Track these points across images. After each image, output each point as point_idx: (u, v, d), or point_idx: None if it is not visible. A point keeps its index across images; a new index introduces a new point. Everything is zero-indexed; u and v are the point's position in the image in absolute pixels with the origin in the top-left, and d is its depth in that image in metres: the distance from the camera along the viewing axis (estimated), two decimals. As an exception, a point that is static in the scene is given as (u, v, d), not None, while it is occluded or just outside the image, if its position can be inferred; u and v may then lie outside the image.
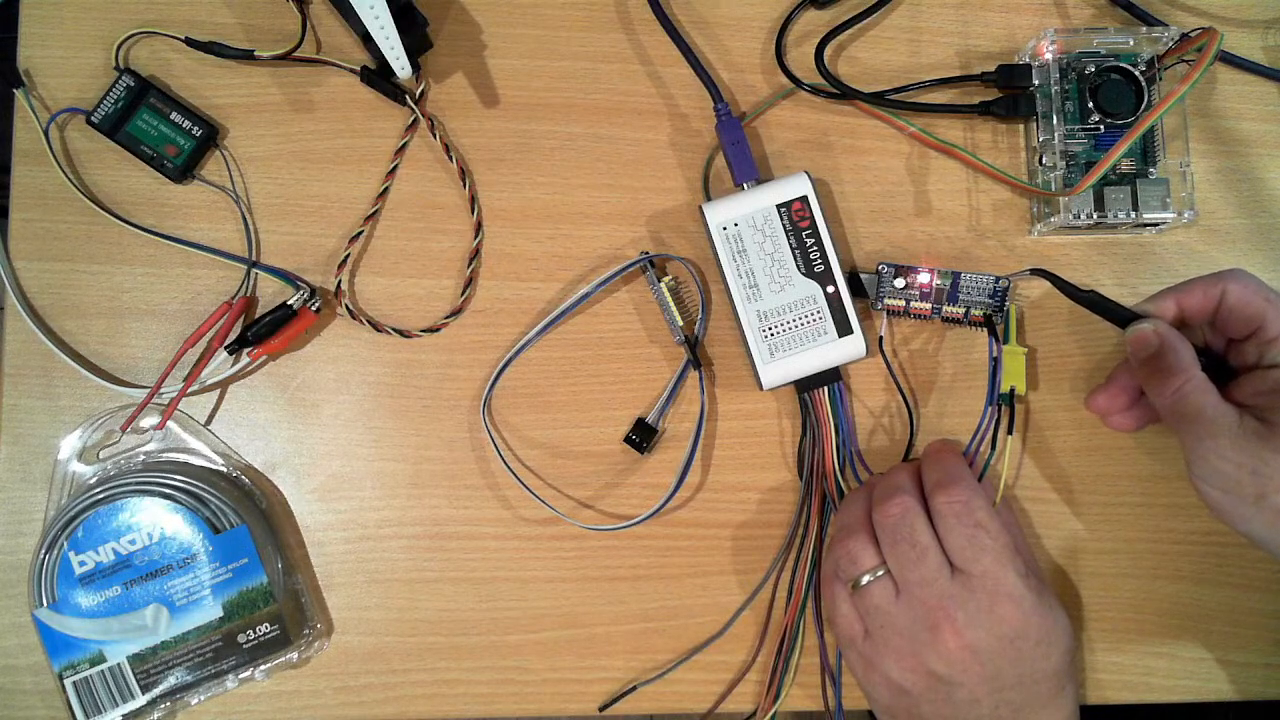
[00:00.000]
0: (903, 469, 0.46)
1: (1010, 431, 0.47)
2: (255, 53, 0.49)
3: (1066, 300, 0.46)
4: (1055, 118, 0.48)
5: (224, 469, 0.48)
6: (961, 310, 0.49)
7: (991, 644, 0.41)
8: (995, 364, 0.47)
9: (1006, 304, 0.48)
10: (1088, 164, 0.48)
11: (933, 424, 0.50)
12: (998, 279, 0.49)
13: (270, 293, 0.49)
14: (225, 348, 0.47)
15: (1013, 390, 0.47)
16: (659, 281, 0.48)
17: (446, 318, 0.49)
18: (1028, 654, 0.41)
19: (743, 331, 0.47)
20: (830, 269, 0.47)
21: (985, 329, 0.49)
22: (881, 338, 0.49)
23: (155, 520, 0.46)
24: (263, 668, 0.47)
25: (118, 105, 0.48)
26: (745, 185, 0.48)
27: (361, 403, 0.49)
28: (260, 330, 0.47)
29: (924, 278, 0.49)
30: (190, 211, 0.49)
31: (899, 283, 0.48)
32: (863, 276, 0.49)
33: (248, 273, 0.49)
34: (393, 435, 0.49)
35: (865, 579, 0.43)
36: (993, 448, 0.46)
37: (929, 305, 0.49)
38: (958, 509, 0.42)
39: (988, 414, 0.47)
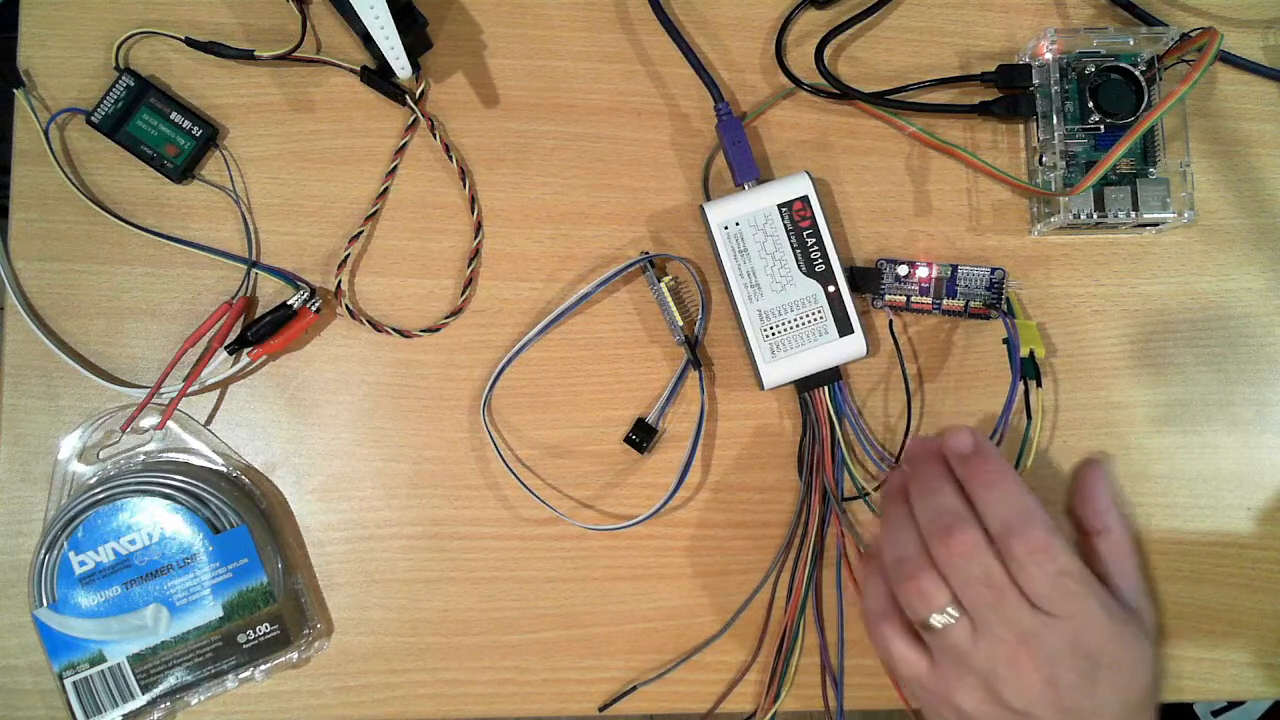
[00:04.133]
0: (941, 479, 0.42)
1: (1040, 385, 0.47)
2: (255, 53, 0.49)
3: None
4: (1055, 118, 0.48)
5: (224, 469, 0.48)
6: (961, 303, 0.49)
7: (1072, 679, 0.40)
8: (1011, 336, 0.47)
9: (1004, 294, 0.49)
10: (1088, 164, 0.48)
11: (932, 423, 0.50)
12: (993, 270, 0.49)
13: (270, 293, 0.49)
14: (225, 348, 0.47)
15: (1032, 353, 0.47)
16: (659, 281, 0.48)
17: (446, 318, 0.49)
18: (1107, 687, 0.40)
19: (744, 331, 0.47)
20: (831, 268, 0.47)
21: (987, 319, 0.49)
22: (891, 321, 0.49)
23: (155, 520, 0.46)
24: (263, 668, 0.47)
25: (118, 105, 0.48)
26: (746, 185, 0.48)
27: (361, 403, 0.49)
28: (260, 330, 0.47)
29: (923, 271, 0.49)
30: (190, 211, 0.49)
31: (901, 270, 0.49)
32: (864, 268, 0.49)
33: (248, 273, 0.49)
34: (393, 435, 0.49)
35: (938, 620, 0.41)
36: (1028, 417, 0.47)
37: (929, 300, 0.49)
38: (1039, 558, 0.39)
39: (1015, 386, 0.46)
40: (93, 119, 0.48)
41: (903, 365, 0.49)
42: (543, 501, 0.49)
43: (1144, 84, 0.48)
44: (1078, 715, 0.40)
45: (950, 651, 0.41)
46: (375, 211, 0.50)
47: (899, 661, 0.43)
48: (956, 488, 0.42)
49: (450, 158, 0.50)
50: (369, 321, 0.49)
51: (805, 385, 0.48)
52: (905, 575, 0.41)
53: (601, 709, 0.49)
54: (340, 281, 0.49)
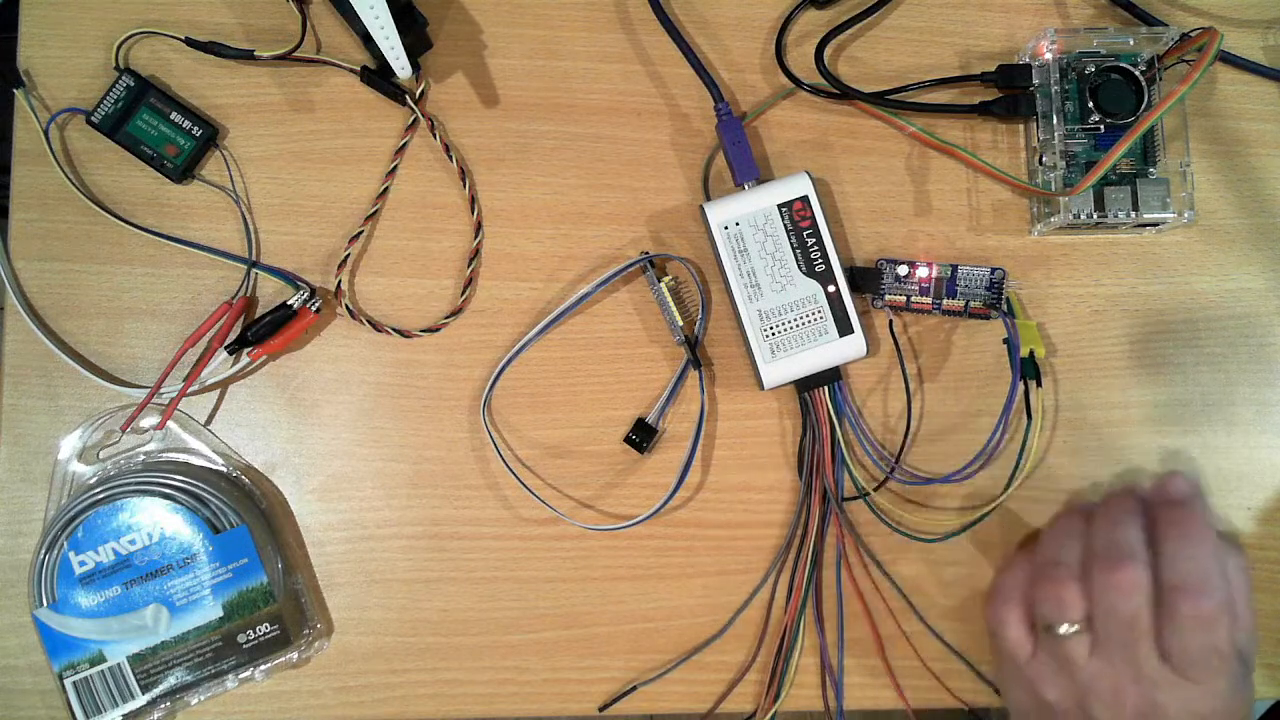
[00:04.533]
0: (1134, 516, 0.42)
1: (1040, 385, 0.47)
2: (255, 53, 0.49)
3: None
4: (1055, 118, 0.48)
5: (224, 469, 0.48)
6: (961, 303, 0.49)
7: None
8: (1011, 336, 0.47)
9: (1004, 294, 0.49)
10: (1088, 164, 0.48)
11: (932, 423, 0.50)
12: (993, 270, 0.49)
13: (270, 293, 0.49)
14: (225, 348, 0.47)
15: (1032, 353, 0.47)
16: (659, 281, 0.48)
17: (446, 318, 0.49)
18: None
19: (744, 331, 0.47)
20: (831, 268, 0.47)
21: (987, 319, 0.49)
22: (891, 321, 0.49)
23: (155, 520, 0.46)
24: (263, 668, 0.47)
25: (118, 105, 0.48)
26: (746, 185, 0.48)
27: (361, 403, 0.49)
28: (260, 330, 0.47)
29: (923, 271, 0.49)
30: (190, 211, 0.49)
31: (901, 270, 0.49)
32: (864, 268, 0.49)
33: (248, 273, 0.49)
34: (393, 435, 0.49)
35: (1064, 629, 0.41)
36: (1028, 417, 0.47)
37: (929, 300, 0.49)
38: (1200, 627, 0.39)
39: (1015, 386, 0.46)
40: (93, 119, 0.48)
41: (903, 365, 0.49)
42: (543, 501, 0.49)
43: (1144, 84, 0.48)
44: None
45: (1059, 656, 0.42)
46: (375, 211, 0.50)
47: (1007, 634, 0.43)
48: (1144, 531, 0.42)
49: (450, 158, 0.50)
50: (369, 321, 0.49)
51: (805, 385, 0.48)
52: (1054, 578, 0.42)
53: (601, 709, 0.49)
54: (340, 281, 0.49)
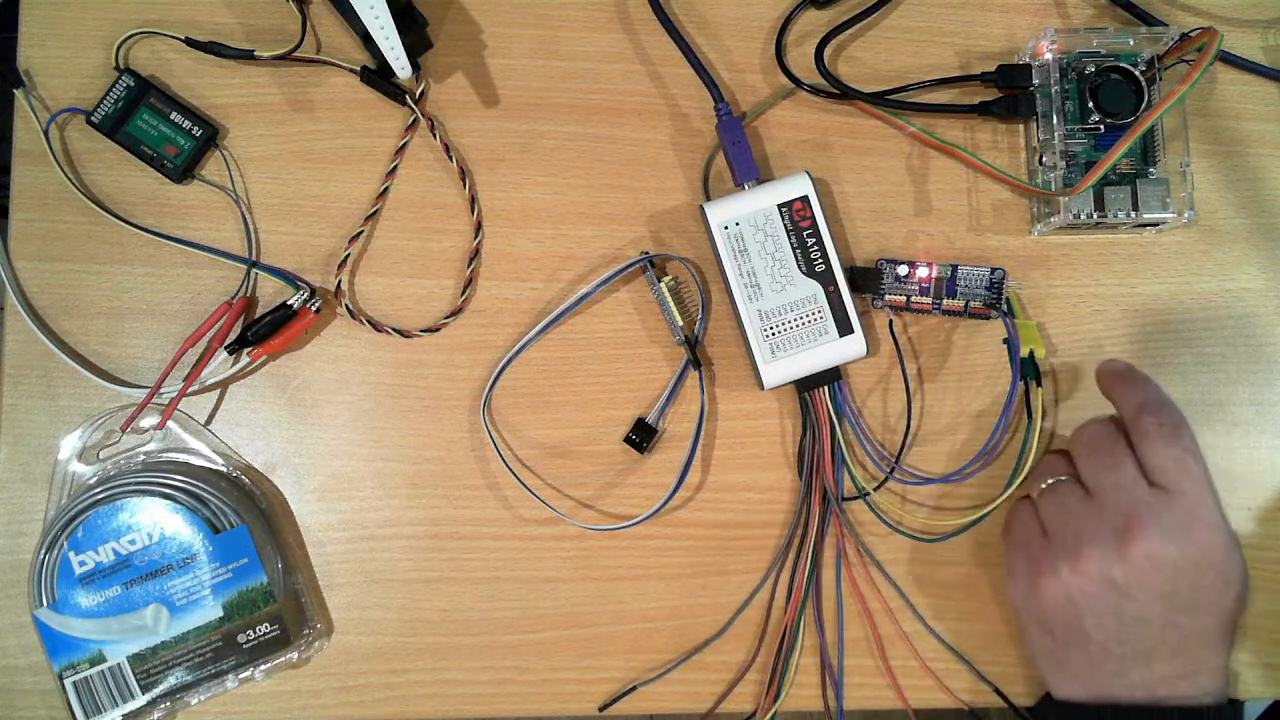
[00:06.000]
0: (1106, 438, 0.44)
1: (1040, 385, 0.47)
2: (255, 53, 0.49)
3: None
4: (1055, 118, 0.48)
5: (224, 469, 0.48)
6: (961, 303, 0.49)
7: (1177, 560, 0.40)
8: (1011, 335, 0.47)
9: (1004, 294, 0.49)
10: (1088, 164, 0.48)
11: (932, 423, 0.50)
12: (993, 270, 0.49)
13: (270, 293, 0.49)
14: (225, 348, 0.47)
15: (1032, 353, 0.47)
16: (659, 281, 0.48)
17: (446, 318, 0.49)
18: (1208, 583, 0.41)
19: (744, 331, 0.47)
20: (831, 268, 0.47)
21: (987, 319, 0.49)
22: (891, 321, 0.49)
23: (155, 520, 0.46)
24: (263, 668, 0.47)
25: (118, 105, 0.48)
26: (746, 185, 0.48)
27: (361, 403, 0.49)
28: (260, 330, 0.47)
29: (923, 271, 0.49)
30: (190, 211, 0.49)
31: (901, 270, 0.49)
32: (864, 268, 0.49)
33: (248, 273, 0.49)
34: (393, 435, 0.49)
35: (1051, 480, 0.43)
36: (1028, 417, 0.47)
37: (929, 300, 0.49)
38: (1167, 431, 0.41)
39: (1015, 386, 0.46)
40: (93, 119, 0.48)
41: (903, 365, 0.49)
42: (543, 501, 0.49)
43: (1144, 84, 0.48)
44: (1174, 602, 0.41)
45: (1058, 510, 0.44)
46: (375, 211, 0.50)
47: (1017, 524, 0.46)
48: (1126, 440, 0.43)
49: (450, 158, 0.50)
50: (369, 321, 0.49)
51: (805, 385, 0.48)
52: (1039, 472, 0.46)
53: (601, 709, 0.49)
54: (340, 281, 0.49)
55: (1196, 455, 0.42)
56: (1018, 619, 0.46)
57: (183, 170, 0.48)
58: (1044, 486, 0.45)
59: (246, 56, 0.49)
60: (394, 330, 0.49)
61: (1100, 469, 0.42)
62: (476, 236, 0.50)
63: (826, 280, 0.47)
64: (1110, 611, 0.41)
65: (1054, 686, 0.45)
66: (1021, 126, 0.51)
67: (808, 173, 0.47)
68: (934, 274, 0.49)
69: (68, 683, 0.45)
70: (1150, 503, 0.41)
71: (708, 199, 0.50)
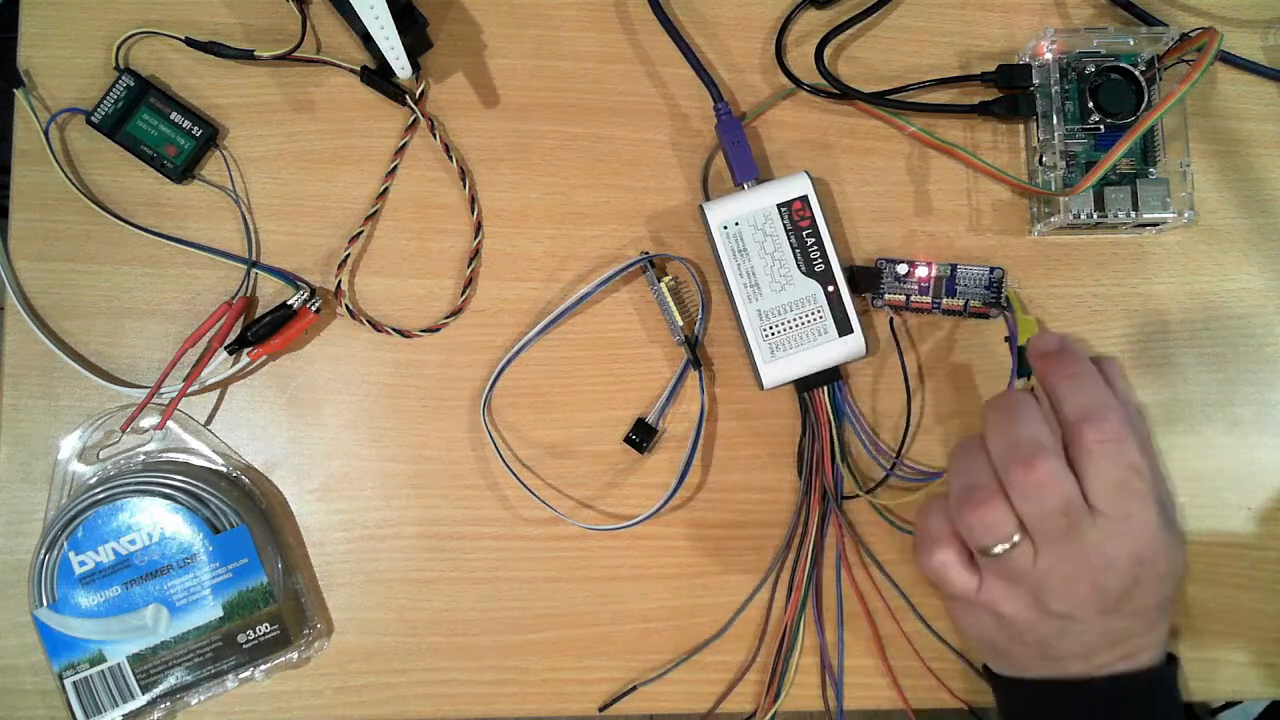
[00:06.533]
0: (1026, 405, 0.41)
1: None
2: (255, 53, 0.49)
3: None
4: (1055, 118, 0.48)
5: (224, 469, 0.48)
6: (960, 303, 0.49)
7: (1120, 583, 0.40)
8: (1012, 332, 0.46)
9: (1003, 293, 0.49)
10: (1088, 164, 0.48)
11: (933, 423, 0.50)
12: (992, 269, 0.49)
13: (270, 293, 0.49)
14: (225, 348, 0.47)
15: None
16: (659, 281, 0.48)
17: (446, 318, 0.49)
18: (1147, 588, 0.40)
19: (743, 331, 0.47)
20: (830, 268, 0.47)
21: (987, 318, 0.49)
22: (892, 319, 0.49)
23: (155, 520, 0.46)
24: (263, 668, 0.47)
25: (118, 105, 0.48)
26: (746, 185, 0.48)
27: (361, 403, 0.49)
28: (260, 330, 0.47)
29: (923, 270, 0.49)
30: (190, 211, 0.49)
31: (900, 269, 0.49)
32: (863, 267, 0.49)
33: (248, 273, 0.49)
34: (393, 435, 0.49)
35: (1001, 549, 0.40)
36: None
37: (929, 299, 0.49)
38: (1110, 449, 0.38)
39: (1013, 382, 0.46)
40: (93, 119, 0.48)
41: (903, 364, 0.49)
42: (543, 501, 0.49)
43: (1144, 84, 0.48)
44: (1115, 617, 0.41)
45: (1007, 573, 0.41)
46: (375, 211, 0.50)
47: (949, 579, 0.42)
48: (1040, 413, 0.41)
49: (450, 158, 0.50)
50: (369, 321, 0.49)
51: (805, 385, 0.48)
52: (974, 501, 0.40)
53: (601, 709, 0.49)
54: (340, 281, 0.49)
55: (1143, 467, 0.39)
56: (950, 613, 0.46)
57: (183, 170, 0.48)
58: (993, 551, 0.40)
59: (246, 56, 0.49)
60: (394, 330, 0.49)
61: (1053, 535, 0.39)
62: (476, 236, 0.50)
63: (826, 280, 0.47)
64: (1053, 631, 0.41)
65: (996, 669, 0.46)
66: (1021, 126, 0.51)
67: (807, 173, 0.47)
68: (933, 273, 0.49)
69: (68, 683, 0.45)
70: (1097, 543, 0.39)
71: (707, 199, 0.50)
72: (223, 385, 0.49)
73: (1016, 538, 0.40)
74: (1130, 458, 0.39)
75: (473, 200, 0.50)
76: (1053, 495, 0.39)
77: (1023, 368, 0.47)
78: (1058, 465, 0.39)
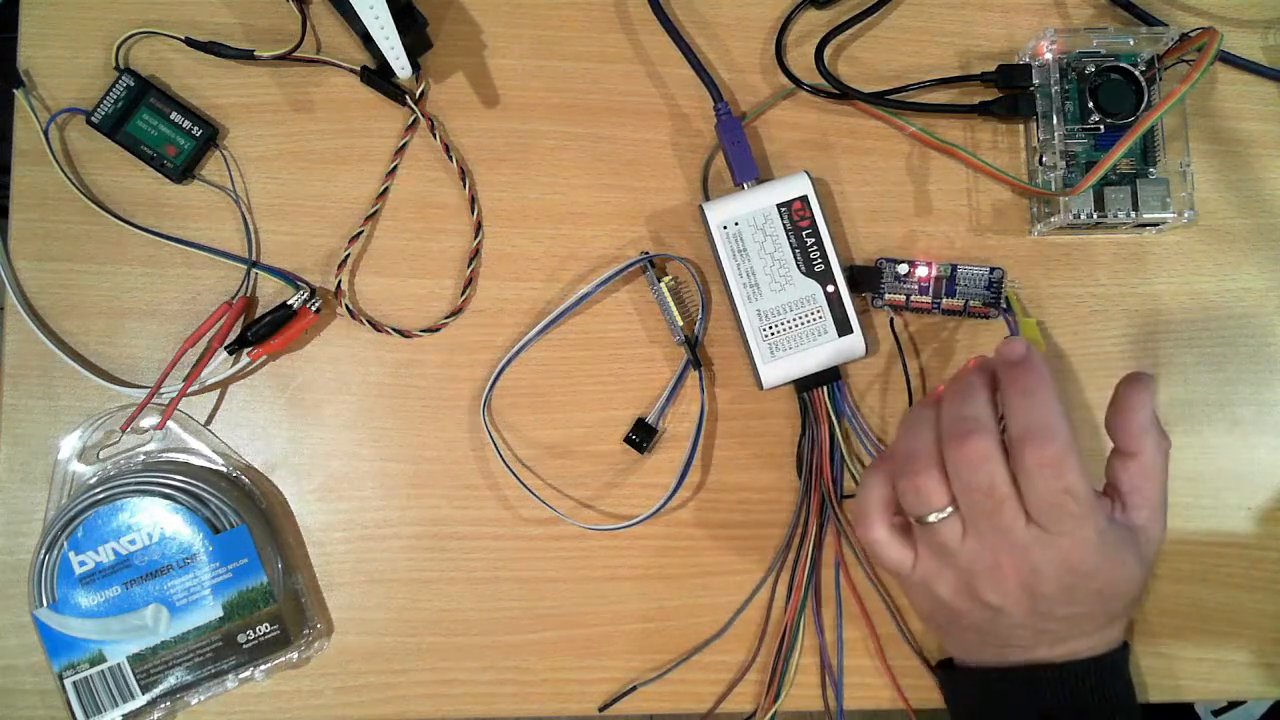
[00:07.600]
0: (977, 388, 0.41)
1: None
2: (255, 53, 0.49)
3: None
4: (1055, 118, 0.48)
5: (224, 469, 0.48)
6: (960, 303, 0.49)
7: (1051, 589, 0.40)
8: (1011, 331, 0.47)
9: (1003, 293, 0.49)
10: (1088, 164, 0.48)
11: (933, 424, 0.50)
12: (992, 269, 0.49)
13: (270, 293, 0.49)
14: (225, 348, 0.47)
15: None
16: (659, 281, 0.48)
17: (446, 318, 0.49)
18: (1084, 599, 0.41)
19: (743, 331, 0.47)
20: (830, 268, 0.47)
21: (987, 318, 0.49)
22: (892, 319, 0.49)
23: (155, 520, 0.46)
24: (263, 668, 0.47)
25: (118, 105, 0.48)
26: (745, 185, 0.48)
27: (361, 403, 0.49)
28: (260, 330, 0.47)
29: (923, 270, 0.49)
30: (190, 211, 0.49)
31: (900, 269, 0.49)
32: (863, 267, 0.49)
33: (248, 273, 0.49)
34: (393, 435, 0.49)
35: (933, 518, 0.40)
36: None
37: (929, 299, 0.49)
38: (1048, 473, 0.38)
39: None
40: (93, 119, 0.48)
41: (904, 364, 0.49)
42: (543, 501, 0.49)
43: (1144, 84, 0.48)
44: (1048, 620, 0.41)
45: (935, 546, 0.41)
46: (375, 211, 0.50)
47: (883, 555, 0.43)
48: (989, 399, 0.41)
49: (450, 158, 0.50)
50: (369, 321, 0.49)
51: (805, 385, 0.48)
52: (912, 471, 0.41)
53: (601, 709, 0.49)
54: (340, 281, 0.49)
55: (1080, 491, 0.39)
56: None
57: (183, 170, 0.48)
58: (925, 520, 0.41)
59: (246, 56, 0.49)
60: (394, 330, 0.49)
61: (979, 512, 0.40)
62: (476, 236, 0.50)
63: (825, 280, 0.47)
64: (988, 620, 0.42)
65: (949, 650, 0.47)
66: (1021, 126, 0.51)
67: (807, 173, 0.47)
68: (933, 273, 0.49)
69: (68, 683, 0.45)
70: (1026, 544, 0.39)
71: (707, 199, 0.50)
72: (223, 385, 0.49)
73: (949, 510, 0.40)
74: (1066, 482, 0.39)
75: (473, 200, 0.50)
76: (979, 473, 0.39)
77: None
78: (990, 446, 0.39)
